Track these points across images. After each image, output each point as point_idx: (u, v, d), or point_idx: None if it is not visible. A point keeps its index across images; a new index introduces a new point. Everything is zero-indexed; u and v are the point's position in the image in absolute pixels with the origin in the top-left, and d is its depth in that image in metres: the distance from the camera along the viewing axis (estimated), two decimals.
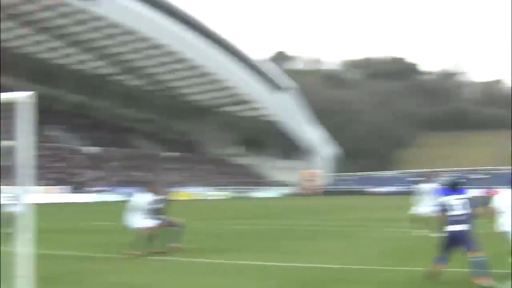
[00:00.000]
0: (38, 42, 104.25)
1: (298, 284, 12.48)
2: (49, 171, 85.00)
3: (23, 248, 10.85)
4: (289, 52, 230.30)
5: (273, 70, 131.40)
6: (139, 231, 17.92)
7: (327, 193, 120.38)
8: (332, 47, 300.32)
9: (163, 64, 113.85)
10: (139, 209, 18.17)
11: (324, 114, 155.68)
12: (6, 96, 11.03)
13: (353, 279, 12.93)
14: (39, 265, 11.25)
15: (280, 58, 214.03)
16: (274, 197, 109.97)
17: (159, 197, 18.58)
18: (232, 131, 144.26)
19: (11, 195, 27.74)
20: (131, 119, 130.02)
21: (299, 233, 25.86)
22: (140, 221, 18.02)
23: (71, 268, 14.58)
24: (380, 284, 12.33)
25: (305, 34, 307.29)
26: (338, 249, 18.96)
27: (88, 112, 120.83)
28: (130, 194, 33.75)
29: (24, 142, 10.78)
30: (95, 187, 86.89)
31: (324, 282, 12.70)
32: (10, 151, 12.32)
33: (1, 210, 26.88)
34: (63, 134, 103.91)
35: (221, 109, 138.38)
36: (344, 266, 14.72)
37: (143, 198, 18.29)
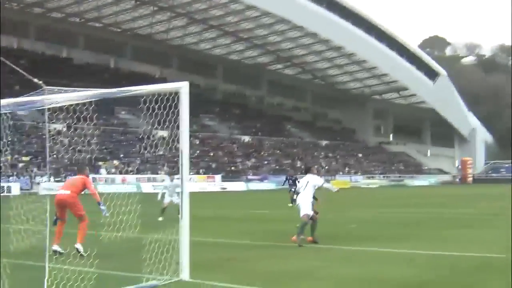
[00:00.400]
0: (191, 33, 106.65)
1: (445, 271, 12.22)
2: (204, 160, 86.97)
3: (180, 235, 11.14)
4: (443, 36, 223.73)
5: (427, 56, 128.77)
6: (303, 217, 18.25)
7: (479, 181, 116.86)
8: (487, 32, 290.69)
9: (318, 52, 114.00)
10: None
11: (478, 100, 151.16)
12: (161, 86, 11.31)
13: (499, 268, 12.49)
14: (194, 252, 11.51)
15: (433, 43, 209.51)
16: (429, 185, 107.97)
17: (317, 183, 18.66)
18: (387, 119, 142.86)
19: (168, 184, 28.55)
20: (285, 108, 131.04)
21: (452, 221, 25.27)
22: (304, 207, 18.19)
23: (224, 256, 14.80)
24: None
25: (459, 18, 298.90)
26: (484, 238, 18.38)
27: (243, 101, 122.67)
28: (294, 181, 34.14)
29: (180, 132, 11.03)
30: (249, 175, 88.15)
31: (467, 271, 12.36)
32: (164, 141, 12.63)
33: (160, 199, 27.77)
34: (218, 124, 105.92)
35: (376, 97, 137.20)
36: (488, 255, 14.27)
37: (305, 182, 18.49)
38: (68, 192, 15.18)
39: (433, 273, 12.19)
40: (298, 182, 37.05)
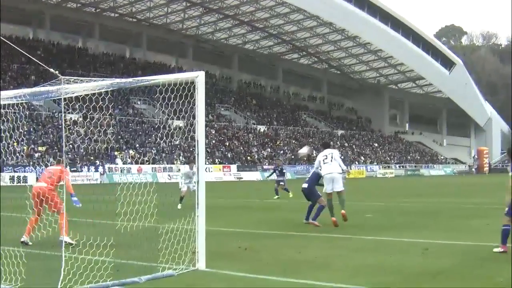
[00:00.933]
0: (207, 23, 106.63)
1: (460, 260, 12.17)
2: (220, 149, 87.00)
3: (196, 224, 11.15)
4: (459, 25, 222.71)
5: (443, 45, 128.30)
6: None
7: (495, 170, 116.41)
8: (503, 21, 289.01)
9: (334, 42, 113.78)
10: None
11: (494, 90, 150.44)
12: (177, 76, 11.29)
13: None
14: (210, 242, 11.51)
15: (449, 32, 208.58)
16: (445, 175, 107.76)
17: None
18: (403, 108, 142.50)
19: (186, 171, 28.59)
20: (301, 97, 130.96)
21: (468, 211, 25.20)
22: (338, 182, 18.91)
23: (240, 245, 14.79)
24: None
25: (476, 7, 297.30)
26: (499, 228, 18.31)
27: (259, 91, 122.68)
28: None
29: (196, 121, 11.01)
30: (264, 165, 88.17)
31: (482, 261, 12.32)
32: (180, 131, 12.63)
33: (180, 188, 27.84)
34: (234, 113, 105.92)
35: (392, 86, 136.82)
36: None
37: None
38: (44, 184, 14.98)
39: (448, 262, 12.16)
40: (284, 172, 37.09)
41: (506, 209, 13.03)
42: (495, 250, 13.16)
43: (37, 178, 17.84)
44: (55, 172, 15.24)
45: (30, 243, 14.51)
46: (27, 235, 14.78)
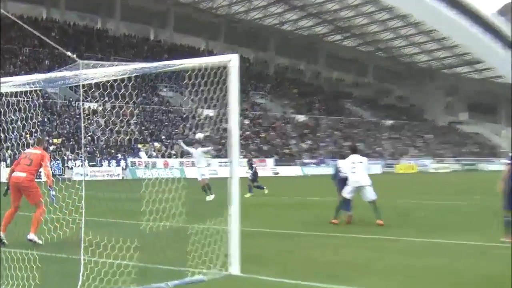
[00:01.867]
0: (240, 1, 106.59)
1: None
2: (255, 141, 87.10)
3: (229, 224, 11.14)
4: None
5: (505, 24, 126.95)
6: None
7: None
8: None
9: (382, 21, 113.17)
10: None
11: None
12: (207, 60, 11.28)
13: None
14: (244, 243, 11.51)
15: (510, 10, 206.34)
16: None
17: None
18: (459, 96, 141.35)
19: (211, 166, 28.83)
20: (345, 83, 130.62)
21: None
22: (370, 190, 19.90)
23: (276, 247, 14.83)
24: None
25: None
26: None
27: (298, 76, 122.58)
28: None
29: (229, 110, 10.99)
30: (304, 159, 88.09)
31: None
32: (211, 121, 12.62)
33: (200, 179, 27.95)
34: (270, 102, 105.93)
35: (447, 71, 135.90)
36: None
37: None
38: (23, 174, 14.80)
39: (506, 266, 12.05)
40: (254, 166, 37.71)
41: (504, 203, 14.91)
42: (502, 239, 14.86)
43: (12, 162, 17.77)
44: (35, 157, 14.93)
45: (6, 242, 14.52)
46: (3, 231, 14.76)
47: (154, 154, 72.35)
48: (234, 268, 11.05)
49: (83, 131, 60.85)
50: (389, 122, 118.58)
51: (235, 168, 11.09)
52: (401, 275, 11.37)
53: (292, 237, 17.23)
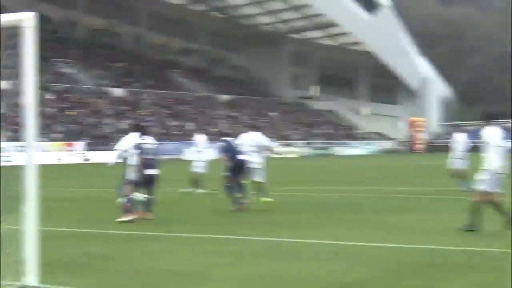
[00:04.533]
0: None
1: (381, 268, 12.52)
2: (60, 121, 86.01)
3: (24, 224, 11.00)
4: None
5: None
6: None
7: (434, 149, 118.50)
8: None
9: None
10: None
11: (433, 42, 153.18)
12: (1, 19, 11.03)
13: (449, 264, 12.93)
14: (45, 247, 11.39)
15: None
16: (365, 155, 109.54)
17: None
18: (310, 66, 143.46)
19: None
20: (170, 50, 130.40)
21: (394, 203, 25.85)
22: None
23: (88, 251, 14.79)
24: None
25: None
26: (427, 225, 18.86)
27: (114, 41, 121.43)
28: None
29: (23, 82, 10.83)
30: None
31: (410, 268, 12.73)
32: (5, 95, 12.45)
33: None
34: (80, 72, 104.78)
35: (295, 36, 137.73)
36: (437, 247, 14.72)
37: None
38: None
39: (367, 270, 12.44)
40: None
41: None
42: None
43: None
44: None
45: None
46: None
47: None
48: (31, 278, 10.87)
49: None
50: (225, 97, 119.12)
51: (32, 154, 10.92)
52: (247, 283, 11.54)
53: (109, 238, 17.19)
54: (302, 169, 61.33)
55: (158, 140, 22.41)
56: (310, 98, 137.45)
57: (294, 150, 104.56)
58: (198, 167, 31.33)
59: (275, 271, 12.47)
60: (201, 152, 31.93)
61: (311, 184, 38.00)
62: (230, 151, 22.83)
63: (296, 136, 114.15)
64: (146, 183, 20.91)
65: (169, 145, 76.19)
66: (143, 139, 21.08)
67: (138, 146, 20.78)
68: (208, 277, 12.07)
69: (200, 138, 33.27)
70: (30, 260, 10.93)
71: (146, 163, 20.73)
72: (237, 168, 22.79)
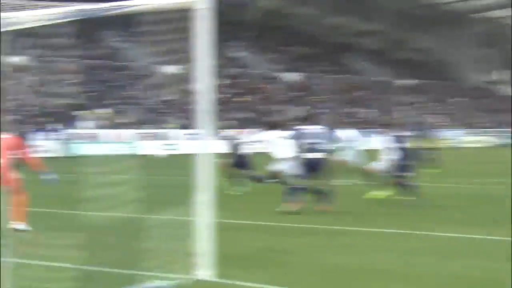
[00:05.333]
0: None
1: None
2: (234, 108, 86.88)
3: (198, 215, 11.10)
4: None
5: None
6: None
7: None
8: None
9: None
10: None
11: None
12: (169, 0, 11.16)
13: None
14: (219, 240, 11.47)
15: None
16: None
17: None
18: (500, 48, 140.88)
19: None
20: (346, 32, 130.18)
21: None
22: None
23: (260, 245, 14.84)
24: None
25: None
26: None
27: (285, 23, 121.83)
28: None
29: (198, 67, 10.92)
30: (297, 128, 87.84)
31: None
32: (174, 80, 12.57)
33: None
34: (251, 55, 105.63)
35: (483, 15, 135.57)
36: None
37: None
38: None
39: None
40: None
41: None
42: None
43: None
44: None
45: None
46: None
47: (100, 123, 71.98)
48: (204, 272, 11.01)
49: (2, 93, 60.63)
50: (406, 82, 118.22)
51: (206, 142, 11.01)
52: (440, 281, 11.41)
53: (281, 231, 17.25)
54: (480, 159, 60.15)
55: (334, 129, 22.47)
56: (496, 82, 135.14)
57: (480, 139, 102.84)
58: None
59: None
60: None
61: (486, 176, 37.24)
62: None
63: (482, 124, 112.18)
64: (311, 170, 20.83)
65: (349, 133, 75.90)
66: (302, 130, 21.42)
67: (298, 135, 21.27)
68: (394, 273, 11.97)
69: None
70: (205, 254, 11.01)
71: (310, 148, 20.84)
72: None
